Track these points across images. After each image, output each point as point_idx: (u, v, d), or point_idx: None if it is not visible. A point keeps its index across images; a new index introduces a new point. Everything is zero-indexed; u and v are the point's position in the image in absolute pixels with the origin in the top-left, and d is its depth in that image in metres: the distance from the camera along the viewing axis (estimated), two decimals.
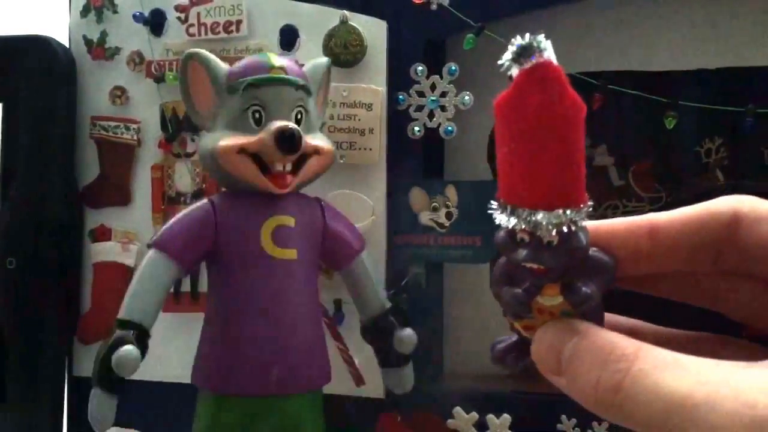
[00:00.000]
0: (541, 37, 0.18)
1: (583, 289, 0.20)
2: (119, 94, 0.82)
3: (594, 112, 0.76)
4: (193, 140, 0.80)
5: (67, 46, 0.84)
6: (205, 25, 0.78)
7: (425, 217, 0.76)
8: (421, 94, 0.74)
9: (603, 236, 0.22)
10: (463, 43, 0.72)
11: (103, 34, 0.82)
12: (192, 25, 0.79)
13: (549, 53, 0.17)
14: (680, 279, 0.23)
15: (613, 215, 0.94)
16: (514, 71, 0.17)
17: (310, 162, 0.63)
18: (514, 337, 0.23)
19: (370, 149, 0.75)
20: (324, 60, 0.69)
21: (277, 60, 0.63)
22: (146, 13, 0.81)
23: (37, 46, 0.82)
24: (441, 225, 0.75)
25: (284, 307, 0.61)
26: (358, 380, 0.77)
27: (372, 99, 0.75)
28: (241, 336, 0.61)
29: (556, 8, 0.75)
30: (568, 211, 0.18)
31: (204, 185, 0.80)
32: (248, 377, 0.61)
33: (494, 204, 0.20)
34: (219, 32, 0.78)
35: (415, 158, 0.77)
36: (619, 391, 0.19)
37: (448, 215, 0.75)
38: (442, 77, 0.73)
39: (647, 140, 0.81)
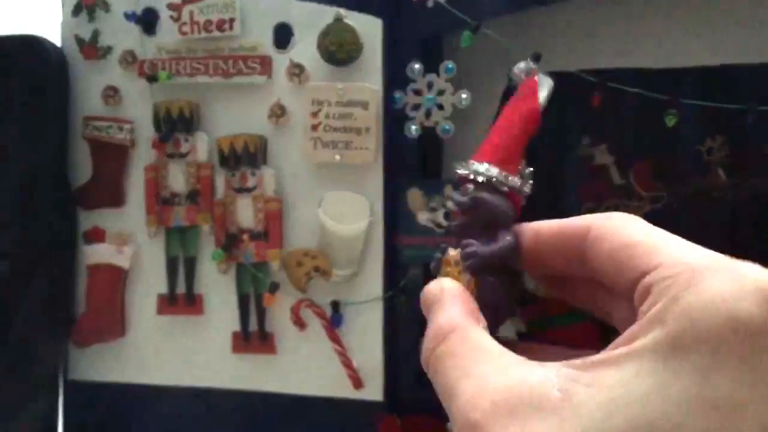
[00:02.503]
0: (534, 63, 0.27)
1: (473, 246, 0.25)
2: (112, 93, 0.81)
3: (594, 110, 0.74)
4: (186, 140, 0.79)
5: (59, 45, 0.82)
6: (197, 23, 0.77)
7: (423, 218, 0.75)
8: (417, 93, 0.73)
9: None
10: (460, 41, 0.71)
11: (95, 33, 0.81)
12: (185, 23, 0.77)
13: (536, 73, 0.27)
14: (577, 286, 0.25)
15: None
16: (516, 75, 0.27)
17: None
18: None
19: (367, 149, 0.74)
20: None
21: None
22: (138, 12, 0.79)
23: (28, 46, 0.80)
24: (439, 225, 0.74)
25: None
26: (357, 383, 0.76)
27: (368, 98, 0.74)
28: None
29: (554, 6, 0.74)
30: (495, 170, 0.26)
31: (198, 185, 0.79)
32: None
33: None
34: (212, 30, 0.77)
35: (412, 158, 0.76)
36: (427, 365, 0.22)
37: (446, 215, 0.74)
38: (438, 75, 0.72)
39: (648, 139, 0.80)
